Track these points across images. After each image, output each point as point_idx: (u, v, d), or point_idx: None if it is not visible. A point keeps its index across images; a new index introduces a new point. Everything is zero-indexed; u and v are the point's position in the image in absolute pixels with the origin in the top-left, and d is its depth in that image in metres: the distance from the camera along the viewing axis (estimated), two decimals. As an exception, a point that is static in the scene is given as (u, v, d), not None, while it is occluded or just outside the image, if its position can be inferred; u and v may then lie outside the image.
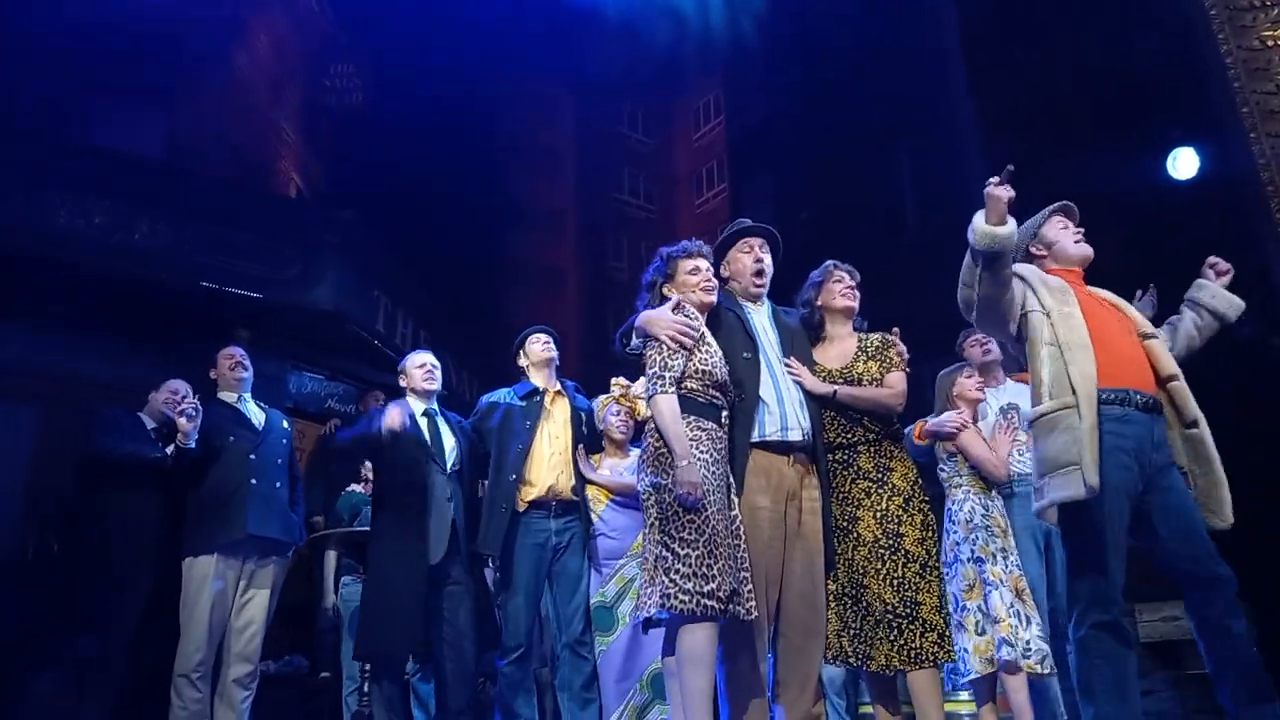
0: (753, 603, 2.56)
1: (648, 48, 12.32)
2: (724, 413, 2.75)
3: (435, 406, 4.08)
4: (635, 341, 2.84)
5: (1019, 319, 2.74)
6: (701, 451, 2.60)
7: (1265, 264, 4.67)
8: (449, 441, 3.95)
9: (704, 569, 2.46)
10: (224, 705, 3.89)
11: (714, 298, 2.93)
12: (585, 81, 15.98)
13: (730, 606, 2.48)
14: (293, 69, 8.04)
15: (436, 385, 4.09)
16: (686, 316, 2.77)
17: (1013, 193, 2.58)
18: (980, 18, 7.67)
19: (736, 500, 2.70)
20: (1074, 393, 2.57)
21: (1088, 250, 2.90)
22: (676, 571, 2.47)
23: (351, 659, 4.03)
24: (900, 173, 9.33)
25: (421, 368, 4.07)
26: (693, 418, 2.67)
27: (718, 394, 2.74)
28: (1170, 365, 2.76)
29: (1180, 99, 5.61)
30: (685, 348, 2.71)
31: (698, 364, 2.72)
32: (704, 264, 2.95)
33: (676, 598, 2.45)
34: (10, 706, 4.18)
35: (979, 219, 2.59)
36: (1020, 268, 2.81)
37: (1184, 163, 5.80)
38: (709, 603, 2.43)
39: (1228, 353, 3.06)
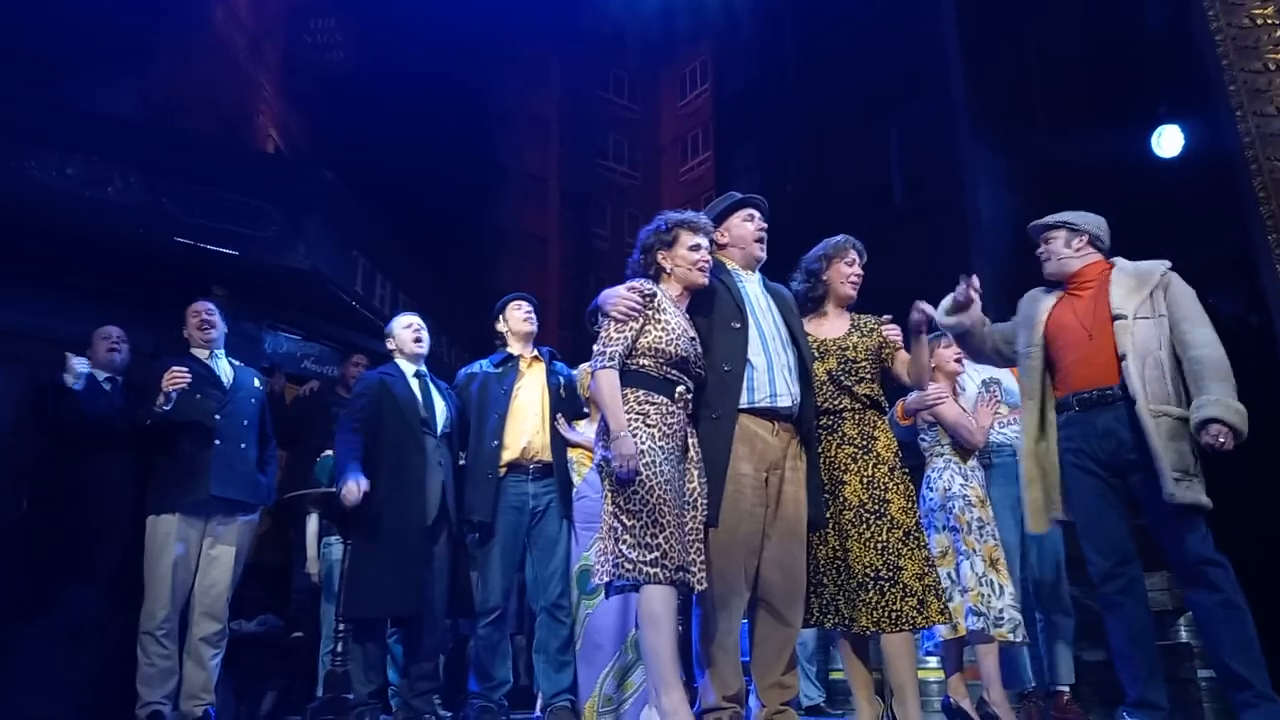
0: (702, 574, 2.59)
1: (634, 11, 12.15)
2: (680, 387, 2.74)
3: (425, 369, 4.04)
4: (601, 320, 2.84)
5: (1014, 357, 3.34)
6: (649, 425, 2.62)
7: (1247, 241, 4.69)
8: (439, 405, 3.92)
9: (647, 538, 2.50)
10: (192, 663, 3.89)
11: (705, 280, 2.91)
12: (571, 45, 15.76)
13: (678, 575, 2.50)
14: (273, 24, 7.87)
15: (425, 347, 4.05)
16: (641, 295, 2.76)
17: (971, 300, 3.24)
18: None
19: (696, 472, 2.71)
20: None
21: (1062, 269, 3.22)
22: (624, 541, 2.53)
23: (335, 620, 4.01)
24: (888, 147, 9.28)
25: (409, 328, 4.02)
26: (642, 391, 2.68)
27: (674, 370, 2.74)
28: (1121, 346, 2.95)
29: (1170, 75, 5.60)
30: (631, 318, 2.72)
31: (651, 341, 2.72)
32: (705, 242, 2.92)
33: (623, 566, 2.52)
34: (2, 665, 4.15)
35: (941, 307, 3.29)
36: (1026, 303, 3.33)
37: (1169, 140, 5.80)
38: (652, 570, 2.48)
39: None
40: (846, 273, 3.16)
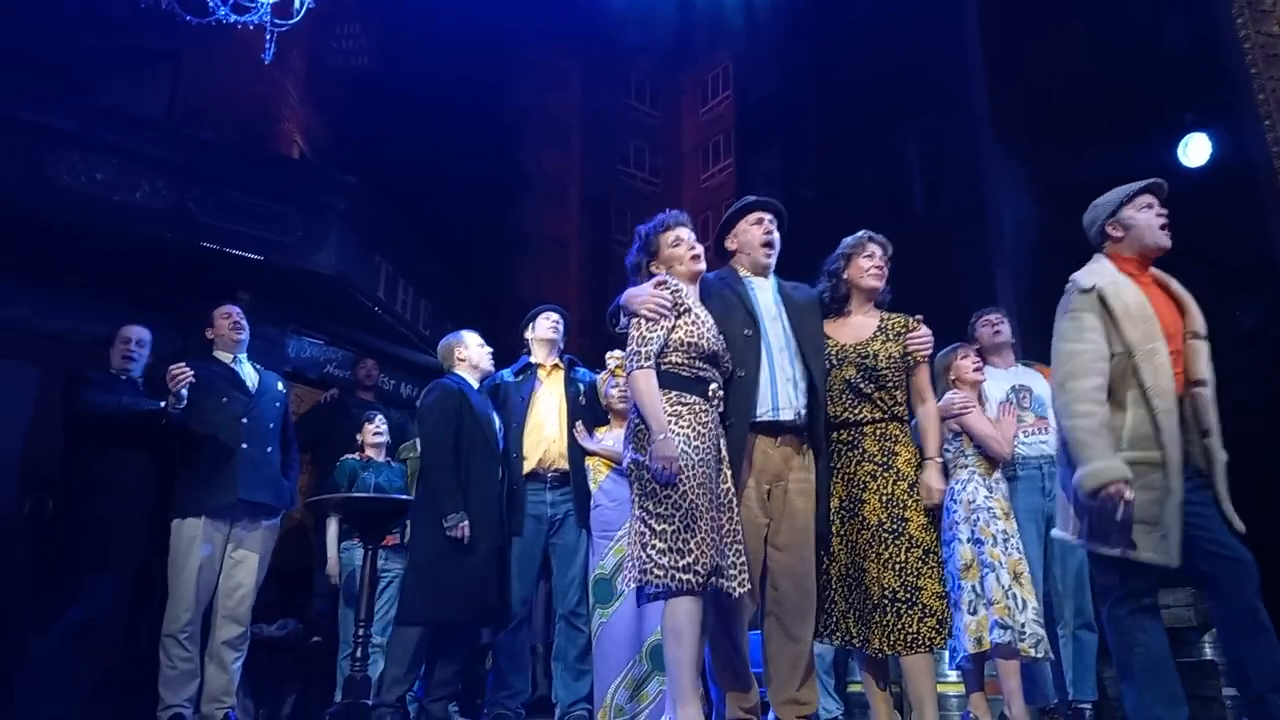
0: (743, 576, 2.56)
1: (657, 18, 12.18)
2: (712, 385, 2.71)
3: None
4: (623, 320, 2.82)
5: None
6: (682, 427, 2.58)
7: (1272, 252, 4.64)
8: (498, 422, 3.99)
9: (679, 544, 2.47)
10: (214, 666, 3.91)
11: (702, 265, 2.90)
12: (593, 51, 15.80)
13: (712, 580, 2.48)
14: (297, 29, 7.93)
15: (492, 366, 4.16)
16: (669, 289, 2.73)
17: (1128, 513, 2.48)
18: (998, -2, 7.58)
19: (729, 474, 2.68)
20: (1161, 451, 2.51)
21: (1166, 242, 2.70)
22: (653, 547, 2.49)
23: (355, 624, 4.02)
24: (908, 155, 9.24)
25: (482, 347, 4.15)
26: (674, 393, 2.65)
27: (705, 366, 2.71)
28: (1199, 370, 2.66)
29: (1196, 84, 5.55)
30: (663, 316, 2.68)
31: (682, 336, 2.69)
32: (685, 232, 2.91)
33: (653, 572, 2.48)
34: (10, 667, 4.19)
35: (1088, 481, 2.46)
36: (1097, 278, 2.67)
37: (1195, 149, 5.74)
38: (684, 577, 2.45)
39: (1230, 342, 3.04)
40: (866, 266, 3.04)
